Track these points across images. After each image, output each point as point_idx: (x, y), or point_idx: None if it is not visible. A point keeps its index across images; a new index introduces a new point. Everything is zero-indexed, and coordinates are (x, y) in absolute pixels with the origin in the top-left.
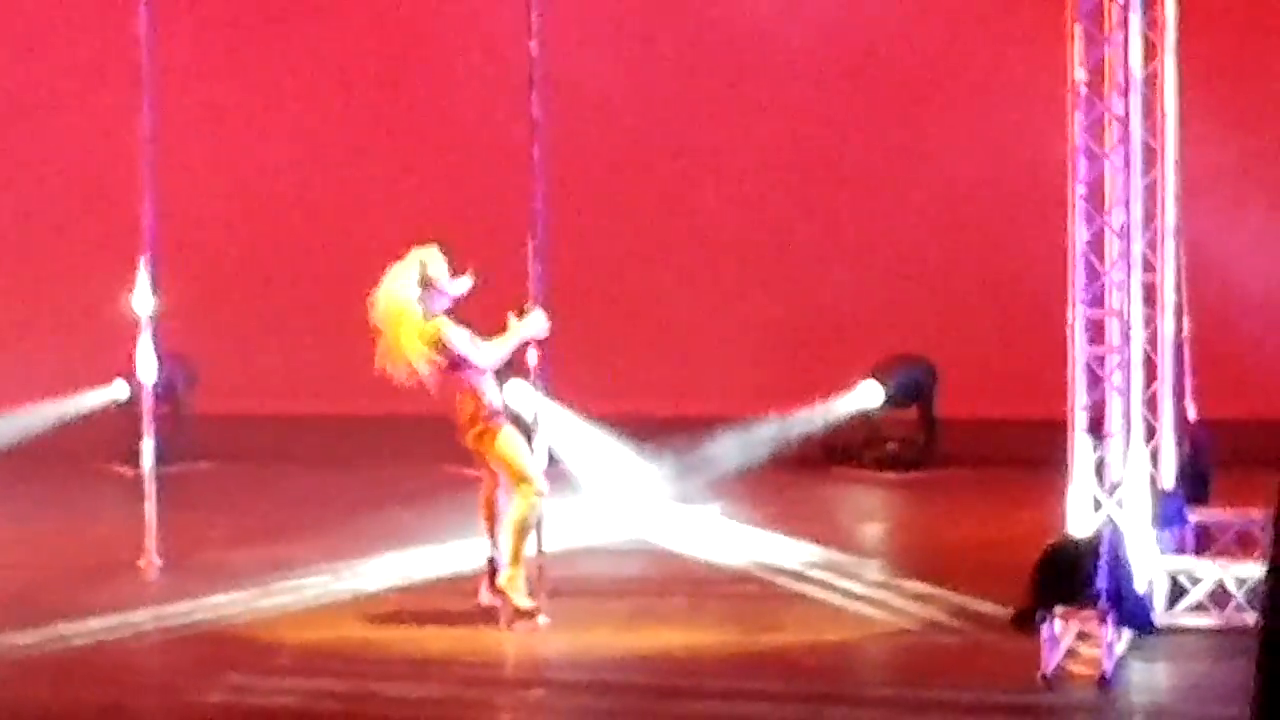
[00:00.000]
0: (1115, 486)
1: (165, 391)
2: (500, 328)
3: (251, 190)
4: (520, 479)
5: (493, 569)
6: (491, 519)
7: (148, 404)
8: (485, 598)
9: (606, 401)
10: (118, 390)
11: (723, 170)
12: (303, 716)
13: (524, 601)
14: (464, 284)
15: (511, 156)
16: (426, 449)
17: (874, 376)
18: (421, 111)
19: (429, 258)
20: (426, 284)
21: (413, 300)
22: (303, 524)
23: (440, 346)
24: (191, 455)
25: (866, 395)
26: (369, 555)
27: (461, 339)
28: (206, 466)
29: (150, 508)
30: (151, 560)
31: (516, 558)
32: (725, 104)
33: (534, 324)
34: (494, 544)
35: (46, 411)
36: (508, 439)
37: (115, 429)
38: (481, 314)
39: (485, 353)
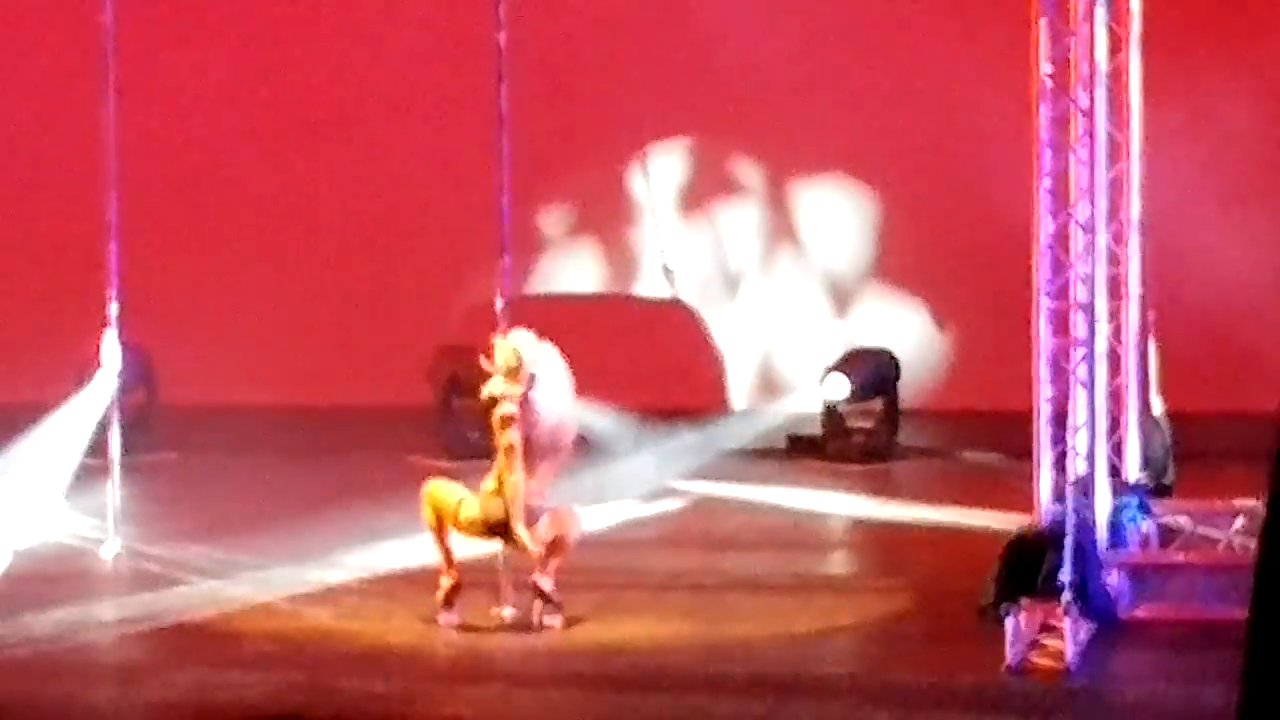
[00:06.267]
0: (1080, 479)
1: (130, 382)
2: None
3: (217, 180)
4: None
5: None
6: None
7: (113, 395)
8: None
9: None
10: (89, 382)
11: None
12: (265, 708)
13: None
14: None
15: (477, 145)
16: (392, 440)
17: (839, 369)
18: (389, 101)
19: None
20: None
21: None
22: (267, 515)
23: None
24: (156, 446)
25: (832, 387)
26: (333, 547)
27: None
28: (171, 457)
29: (114, 498)
30: (115, 551)
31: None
32: (692, 95)
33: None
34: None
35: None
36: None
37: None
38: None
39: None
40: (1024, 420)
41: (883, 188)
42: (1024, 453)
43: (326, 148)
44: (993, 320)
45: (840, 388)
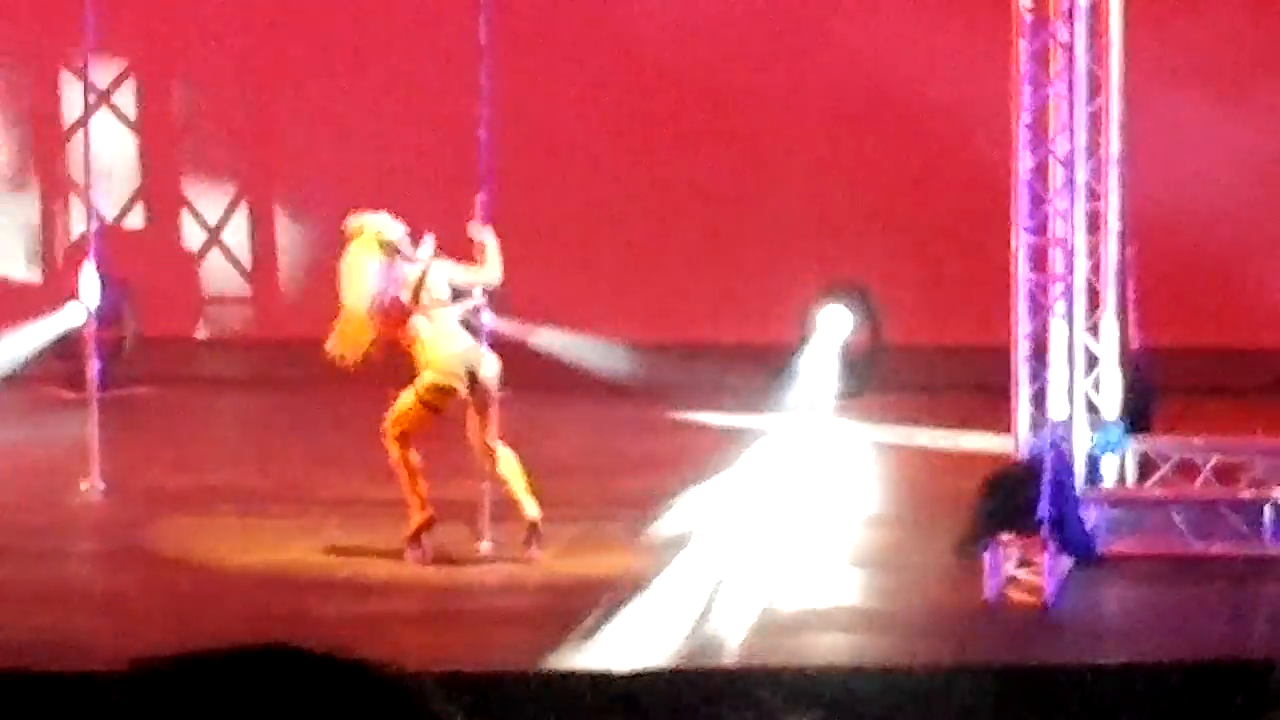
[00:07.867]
0: (1058, 414)
1: (108, 315)
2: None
3: (195, 109)
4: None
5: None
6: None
7: (91, 328)
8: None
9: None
10: (71, 315)
11: (670, 101)
12: (242, 637)
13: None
14: (427, 248)
15: (464, 84)
16: (368, 373)
17: (829, 301)
18: (371, 32)
19: (384, 229)
20: (392, 253)
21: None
22: (245, 448)
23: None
24: (133, 379)
25: (834, 321)
26: (312, 479)
27: (459, 271)
28: (147, 390)
29: (93, 431)
30: (94, 484)
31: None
32: (672, 30)
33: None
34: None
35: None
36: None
37: (57, 352)
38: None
39: (491, 270)
40: (1003, 355)
41: (861, 117)
42: (1003, 388)
43: (312, 78)
44: (972, 254)
45: (844, 321)
